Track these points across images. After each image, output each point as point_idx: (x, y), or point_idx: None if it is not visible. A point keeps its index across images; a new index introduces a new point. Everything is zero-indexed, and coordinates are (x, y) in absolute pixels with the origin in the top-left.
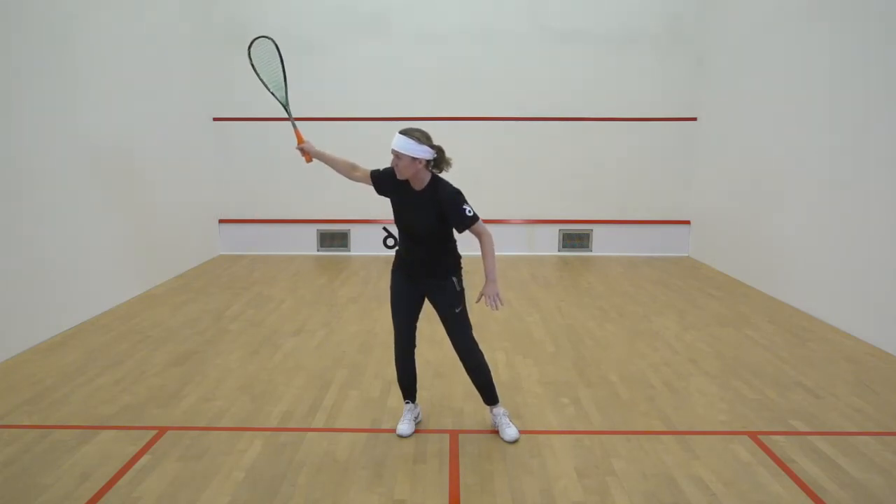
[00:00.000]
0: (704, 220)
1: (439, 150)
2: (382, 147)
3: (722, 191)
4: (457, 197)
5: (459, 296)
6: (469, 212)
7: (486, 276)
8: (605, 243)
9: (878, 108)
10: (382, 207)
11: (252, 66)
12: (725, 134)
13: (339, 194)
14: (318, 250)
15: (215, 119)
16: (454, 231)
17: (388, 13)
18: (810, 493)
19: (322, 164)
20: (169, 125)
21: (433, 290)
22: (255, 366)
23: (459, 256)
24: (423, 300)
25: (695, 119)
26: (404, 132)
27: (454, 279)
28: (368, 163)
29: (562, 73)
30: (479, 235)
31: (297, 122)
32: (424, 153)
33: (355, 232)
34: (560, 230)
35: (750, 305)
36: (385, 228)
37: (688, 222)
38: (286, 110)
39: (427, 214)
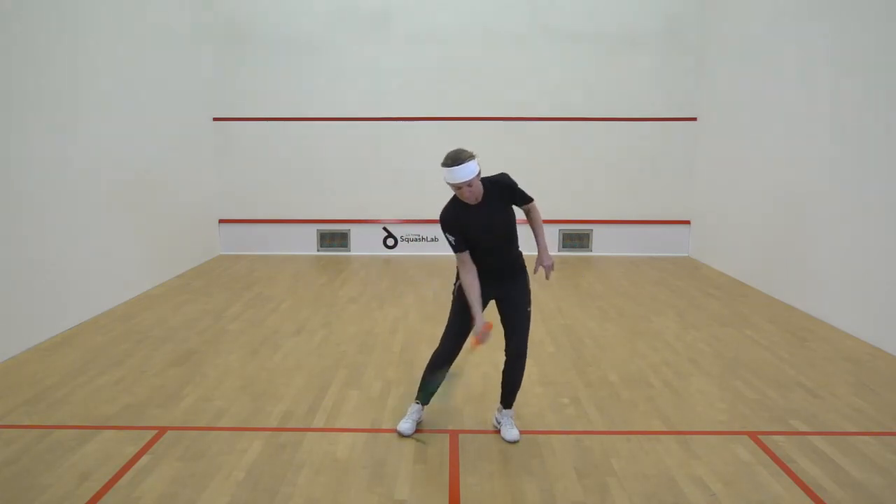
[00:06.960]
0: (704, 220)
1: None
2: (380, 147)
3: (722, 191)
4: (509, 178)
5: (529, 294)
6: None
7: (543, 245)
8: (605, 243)
9: (878, 108)
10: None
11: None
12: (725, 134)
13: (339, 194)
14: (317, 250)
15: (215, 119)
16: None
17: (389, 13)
18: (810, 493)
19: (321, 163)
20: (169, 125)
21: (511, 289)
22: (255, 366)
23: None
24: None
25: (695, 119)
26: (456, 161)
27: (526, 276)
28: (368, 162)
29: (562, 73)
30: (533, 206)
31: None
32: (477, 164)
33: (355, 232)
34: (560, 230)
35: (750, 305)
36: (385, 228)
37: (688, 222)
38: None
39: (501, 213)
